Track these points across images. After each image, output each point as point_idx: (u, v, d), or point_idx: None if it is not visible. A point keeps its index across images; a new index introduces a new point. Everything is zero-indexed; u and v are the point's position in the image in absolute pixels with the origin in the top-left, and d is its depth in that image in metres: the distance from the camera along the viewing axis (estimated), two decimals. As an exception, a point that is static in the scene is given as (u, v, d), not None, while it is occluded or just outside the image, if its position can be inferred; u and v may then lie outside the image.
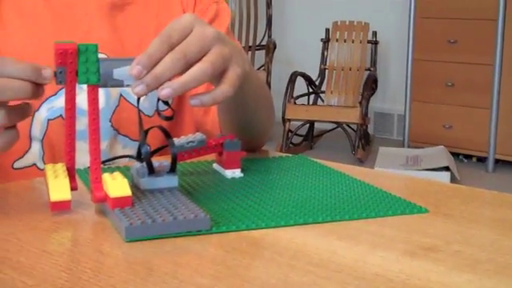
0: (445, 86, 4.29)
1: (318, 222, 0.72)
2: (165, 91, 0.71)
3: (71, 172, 0.78)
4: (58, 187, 0.73)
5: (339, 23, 4.65)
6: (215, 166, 0.95)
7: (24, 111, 0.76)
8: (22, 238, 0.67)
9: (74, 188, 0.76)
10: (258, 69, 4.73)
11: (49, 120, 1.07)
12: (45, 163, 1.07)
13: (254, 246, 0.66)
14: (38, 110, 1.07)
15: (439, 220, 0.74)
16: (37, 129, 1.07)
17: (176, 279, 0.57)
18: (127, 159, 1.02)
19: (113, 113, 1.10)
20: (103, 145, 1.08)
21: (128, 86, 0.73)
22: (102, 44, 1.09)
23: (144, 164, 0.78)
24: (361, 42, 4.59)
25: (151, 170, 0.78)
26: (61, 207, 0.73)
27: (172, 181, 0.78)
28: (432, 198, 0.83)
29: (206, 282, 0.57)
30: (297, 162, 0.99)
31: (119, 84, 0.73)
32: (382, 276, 0.58)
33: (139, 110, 0.76)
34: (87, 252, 0.64)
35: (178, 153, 0.88)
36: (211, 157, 0.96)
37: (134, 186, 0.78)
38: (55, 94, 1.07)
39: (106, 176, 0.73)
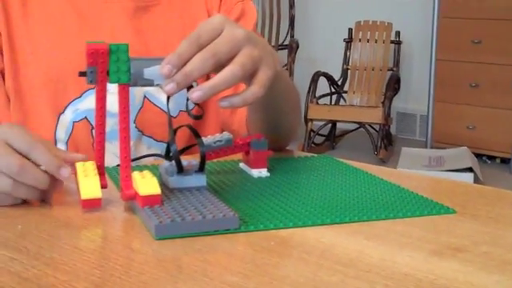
0: (468, 87, 4.26)
1: (346, 222, 0.72)
2: (196, 94, 0.72)
3: (101, 170, 0.79)
4: (89, 185, 0.74)
5: (362, 23, 4.64)
6: (242, 165, 0.96)
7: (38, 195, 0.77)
8: (54, 234, 0.68)
9: (103, 186, 0.77)
10: (281, 68, 4.73)
11: (74, 122, 1.08)
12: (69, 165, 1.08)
13: (282, 244, 0.66)
14: (63, 112, 1.08)
15: (466, 221, 0.74)
16: (62, 131, 1.08)
17: (206, 277, 0.58)
18: (153, 158, 1.03)
19: (137, 114, 1.11)
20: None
21: (158, 85, 0.74)
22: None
23: (173, 163, 0.79)
24: (384, 42, 4.57)
25: (180, 169, 0.78)
26: (92, 205, 0.74)
27: (200, 180, 0.79)
28: (458, 198, 0.83)
29: (236, 280, 0.57)
30: (322, 162, 1.00)
31: (149, 83, 0.74)
32: (410, 276, 0.58)
33: (168, 109, 0.77)
34: (117, 249, 0.65)
35: (206, 152, 0.90)
36: (238, 156, 0.97)
37: (163, 185, 0.79)
38: (80, 97, 1.08)
39: (135, 174, 0.74)
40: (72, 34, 1.10)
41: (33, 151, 0.75)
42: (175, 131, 0.79)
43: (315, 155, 1.05)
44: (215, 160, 0.95)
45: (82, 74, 0.74)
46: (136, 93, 1.11)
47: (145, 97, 1.12)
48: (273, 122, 1.03)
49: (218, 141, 0.90)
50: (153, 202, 0.71)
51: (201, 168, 0.79)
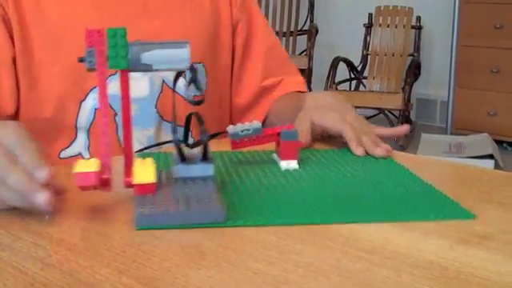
0: (490, 73, 4.22)
1: (367, 222, 0.68)
2: (378, 150, 0.93)
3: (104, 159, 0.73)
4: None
5: (382, 8, 4.60)
6: (274, 156, 0.92)
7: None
8: (77, 221, 0.68)
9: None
10: (300, 54, 4.71)
11: (95, 109, 1.08)
12: (90, 153, 1.07)
13: (305, 232, 0.66)
14: (84, 99, 1.07)
15: (493, 208, 0.73)
16: (83, 119, 1.08)
17: (229, 263, 0.58)
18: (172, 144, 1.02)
19: (157, 99, 1.10)
20: (150, 131, 1.09)
21: (157, 70, 0.73)
22: (145, 32, 1.10)
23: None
24: (404, 27, 4.53)
25: (182, 158, 0.76)
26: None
27: (207, 169, 0.76)
28: (484, 186, 0.82)
29: (260, 267, 0.57)
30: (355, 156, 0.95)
31: (148, 68, 0.72)
32: (436, 263, 0.58)
33: (173, 95, 0.76)
34: (140, 235, 0.65)
35: (233, 140, 0.88)
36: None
37: (171, 173, 0.77)
38: None
39: (137, 162, 0.73)
40: (89, 21, 1.09)
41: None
42: (188, 119, 0.77)
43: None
44: (251, 149, 0.93)
45: (81, 60, 0.72)
46: (155, 78, 1.11)
47: (163, 82, 1.11)
48: None
49: (246, 129, 0.88)
50: (146, 191, 0.70)
51: (204, 157, 0.76)
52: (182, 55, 0.73)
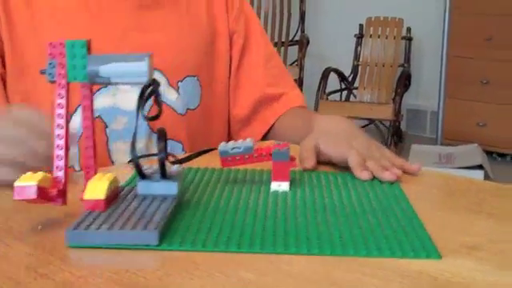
0: (479, 83, 4.24)
1: (326, 255, 0.63)
2: (387, 174, 0.87)
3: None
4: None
5: (373, 19, 4.63)
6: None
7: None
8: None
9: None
10: (291, 64, 4.73)
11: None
12: (80, 165, 1.07)
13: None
14: (74, 113, 1.06)
15: (482, 218, 0.74)
16: (73, 132, 1.08)
17: (221, 273, 0.58)
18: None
19: (149, 111, 1.10)
20: (140, 143, 1.09)
21: (116, 83, 0.72)
22: (138, 44, 1.11)
23: (152, 166, 0.76)
24: (395, 38, 4.55)
25: (142, 175, 0.74)
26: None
27: (170, 188, 0.73)
28: (474, 196, 0.82)
29: (251, 277, 0.57)
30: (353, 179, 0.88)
31: (106, 81, 0.71)
32: (425, 274, 0.58)
33: (137, 114, 0.73)
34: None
35: (223, 158, 0.84)
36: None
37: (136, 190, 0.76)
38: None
39: (95, 177, 0.72)
40: (84, 36, 1.09)
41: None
42: (164, 136, 0.75)
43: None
44: (247, 167, 0.89)
45: (42, 72, 0.72)
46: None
47: None
48: None
49: (237, 147, 0.84)
50: (95, 207, 0.69)
51: (163, 176, 0.73)
52: (140, 68, 0.70)
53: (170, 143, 1.12)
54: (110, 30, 1.10)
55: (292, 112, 1.23)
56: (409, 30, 4.57)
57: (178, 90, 1.15)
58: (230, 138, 1.26)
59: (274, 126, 1.23)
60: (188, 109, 1.16)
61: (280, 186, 0.82)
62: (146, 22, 1.14)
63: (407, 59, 4.57)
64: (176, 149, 1.14)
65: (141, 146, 1.09)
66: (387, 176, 0.86)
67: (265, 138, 1.24)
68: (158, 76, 1.12)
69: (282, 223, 0.70)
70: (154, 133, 1.12)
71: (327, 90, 4.39)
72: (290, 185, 0.83)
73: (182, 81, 1.16)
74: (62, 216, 0.72)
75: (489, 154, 4.13)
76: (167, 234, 0.66)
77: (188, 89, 1.16)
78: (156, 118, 0.74)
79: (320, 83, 4.36)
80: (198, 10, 1.20)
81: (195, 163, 0.92)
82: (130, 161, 0.82)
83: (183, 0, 1.19)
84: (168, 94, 1.13)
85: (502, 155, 4.23)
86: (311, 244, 0.64)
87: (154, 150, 1.10)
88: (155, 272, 0.58)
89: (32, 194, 0.66)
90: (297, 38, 4.85)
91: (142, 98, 0.72)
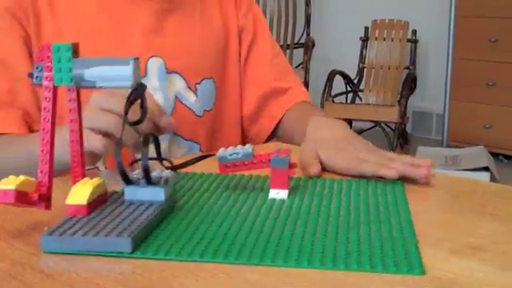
0: (485, 86, 4.24)
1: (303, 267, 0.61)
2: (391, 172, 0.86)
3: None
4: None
5: (379, 21, 4.63)
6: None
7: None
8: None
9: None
10: (297, 67, 4.73)
11: None
12: (105, 164, 1.08)
13: (301, 243, 0.66)
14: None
15: (486, 220, 0.74)
16: None
17: (226, 274, 0.58)
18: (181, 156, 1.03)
19: (171, 114, 1.12)
20: (164, 145, 1.09)
21: (101, 87, 0.71)
22: (159, 48, 1.12)
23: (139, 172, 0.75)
24: (400, 41, 4.56)
25: (127, 181, 0.73)
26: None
27: (157, 194, 0.73)
28: (479, 198, 0.82)
29: (256, 278, 0.58)
30: (355, 186, 0.86)
31: (91, 85, 0.71)
32: (429, 274, 0.58)
33: (124, 118, 0.72)
34: (138, 246, 0.65)
35: (221, 164, 0.83)
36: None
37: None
38: None
39: (81, 181, 0.72)
40: (103, 35, 1.10)
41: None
42: (147, 140, 0.74)
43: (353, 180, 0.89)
44: (243, 173, 0.87)
45: (30, 75, 0.72)
46: (168, 93, 1.14)
47: (176, 97, 1.15)
48: None
49: (235, 153, 0.83)
50: (77, 212, 0.68)
51: (147, 181, 0.73)
52: (125, 72, 0.69)
53: (189, 144, 1.17)
54: (131, 35, 1.11)
55: (298, 106, 1.24)
56: (414, 32, 4.57)
57: (195, 92, 1.17)
58: (243, 137, 1.28)
59: (282, 121, 1.24)
60: (205, 110, 1.18)
61: (278, 194, 0.80)
62: (165, 26, 1.15)
63: (413, 62, 4.57)
64: (195, 150, 1.17)
65: (164, 147, 1.09)
66: (390, 173, 0.86)
67: (274, 133, 1.26)
68: (177, 79, 1.14)
69: (266, 233, 0.67)
70: (176, 135, 1.14)
71: (333, 93, 4.39)
72: (290, 192, 0.81)
73: (199, 83, 1.18)
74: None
75: (495, 155, 4.12)
76: (146, 241, 0.65)
77: (205, 91, 1.19)
78: (139, 122, 0.73)
79: (325, 86, 4.37)
80: (212, 12, 1.22)
81: (194, 169, 0.90)
82: (131, 163, 0.83)
83: (198, 2, 1.20)
84: (187, 97, 1.16)
85: (509, 157, 4.23)
86: (289, 257, 0.61)
87: (176, 152, 1.13)
88: (160, 273, 0.59)
89: (10, 198, 0.66)
90: (302, 40, 4.86)
91: (127, 102, 0.71)
